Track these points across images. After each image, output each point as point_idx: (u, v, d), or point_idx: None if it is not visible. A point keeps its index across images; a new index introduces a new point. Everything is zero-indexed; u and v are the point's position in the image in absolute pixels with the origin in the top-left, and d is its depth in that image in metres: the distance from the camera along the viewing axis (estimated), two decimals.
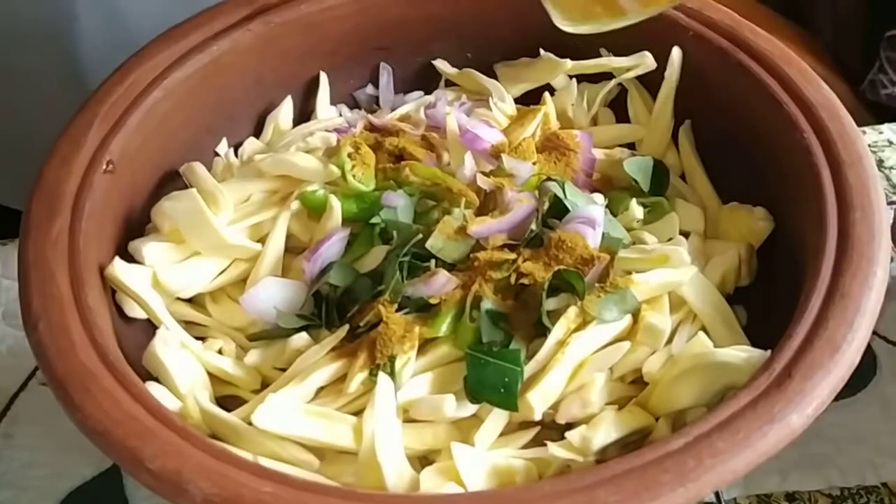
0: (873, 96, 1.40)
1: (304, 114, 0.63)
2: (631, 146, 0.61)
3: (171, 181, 0.58)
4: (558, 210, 0.54)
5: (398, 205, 0.54)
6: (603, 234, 0.53)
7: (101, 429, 0.44)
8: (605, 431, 0.48)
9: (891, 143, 0.71)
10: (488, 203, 0.55)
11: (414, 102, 0.63)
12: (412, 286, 0.51)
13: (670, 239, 0.55)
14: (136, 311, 0.53)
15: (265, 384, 0.52)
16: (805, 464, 0.57)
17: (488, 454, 0.48)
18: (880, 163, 0.70)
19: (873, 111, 1.37)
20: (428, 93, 0.64)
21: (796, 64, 0.56)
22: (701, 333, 0.51)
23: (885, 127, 0.72)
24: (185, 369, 0.51)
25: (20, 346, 0.54)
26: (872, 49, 1.39)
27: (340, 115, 0.63)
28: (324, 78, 0.63)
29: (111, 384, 0.45)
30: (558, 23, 0.50)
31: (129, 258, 0.54)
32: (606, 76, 0.62)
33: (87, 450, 0.45)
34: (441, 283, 0.51)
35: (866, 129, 0.71)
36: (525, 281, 0.51)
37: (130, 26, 0.64)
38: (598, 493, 0.41)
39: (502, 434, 0.49)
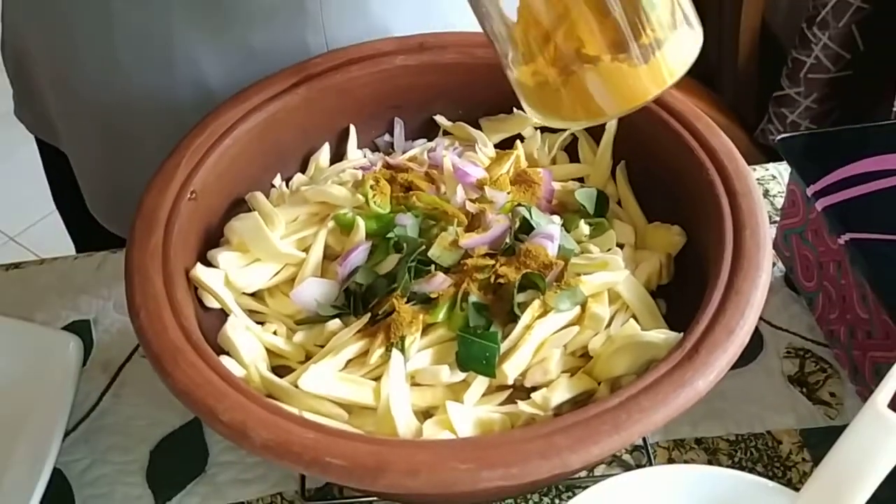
0: (764, 141, 1.40)
1: (338, 155, 0.63)
2: (581, 180, 0.61)
3: (239, 206, 0.58)
4: (526, 228, 0.54)
5: (407, 224, 0.54)
6: (559, 245, 0.53)
7: (186, 390, 0.44)
8: (561, 393, 0.48)
9: (774, 177, 0.71)
10: (474, 222, 0.55)
11: (420, 147, 0.63)
12: (418, 284, 0.51)
13: (609, 249, 0.55)
14: (212, 303, 0.53)
15: (308, 357, 0.52)
16: (709, 416, 0.57)
17: (474, 409, 0.48)
18: (766, 192, 0.70)
19: (764, 152, 1.37)
20: (430, 140, 0.63)
21: (704, 119, 0.56)
22: (632, 320, 0.51)
23: (771, 165, 0.72)
24: (249, 346, 0.51)
25: (126, 328, 0.55)
26: (763, 105, 1.39)
27: (365, 156, 0.63)
28: (353, 129, 0.63)
29: (193, 357, 0.45)
30: (539, 121, 0.45)
31: (208, 264, 0.54)
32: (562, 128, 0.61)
33: (175, 406, 0.45)
34: (439, 282, 0.51)
35: (756, 167, 0.71)
36: (501, 280, 0.51)
37: (211, 90, 0.64)
38: (554, 439, 0.42)
39: (484, 395, 0.49)
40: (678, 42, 0.41)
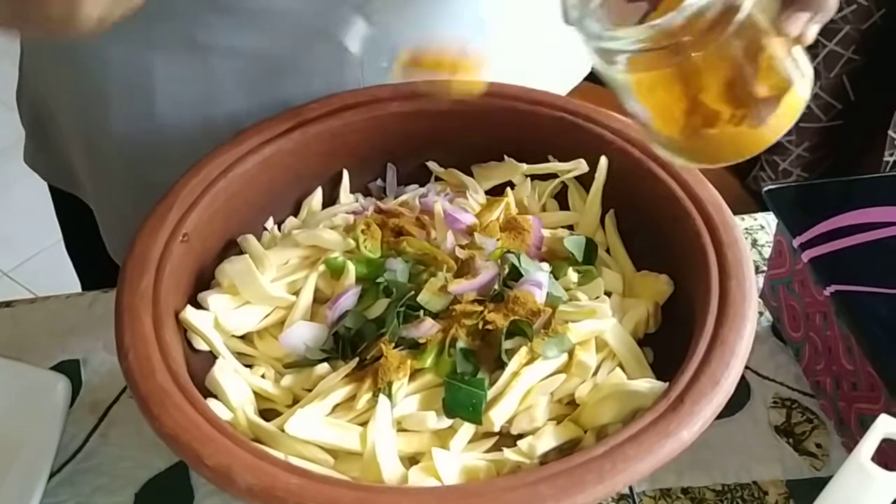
0: (756, 188, 1.41)
1: (330, 199, 0.64)
2: (570, 227, 0.61)
3: (231, 248, 0.58)
4: (515, 274, 0.54)
5: (397, 269, 0.55)
6: (548, 293, 0.53)
7: (172, 433, 0.44)
8: (547, 441, 0.48)
9: (762, 227, 0.72)
10: (464, 269, 0.55)
11: (411, 193, 0.63)
12: (406, 329, 0.51)
13: (597, 297, 0.56)
14: (201, 345, 0.53)
15: (296, 401, 0.52)
16: (696, 465, 0.57)
17: (460, 456, 0.48)
18: (754, 242, 0.71)
19: (756, 199, 1.38)
20: (422, 186, 0.64)
21: (692, 170, 0.57)
22: (618, 368, 0.51)
23: (759, 215, 0.73)
24: (237, 389, 0.51)
25: (115, 369, 0.54)
26: None
27: (357, 201, 0.63)
28: (345, 174, 0.64)
29: (180, 400, 0.45)
30: (679, 162, 0.50)
31: (198, 305, 0.54)
32: (552, 176, 0.62)
33: (162, 448, 0.45)
34: (427, 328, 0.51)
35: (745, 216, 0.72)
36: (489, 327, 0.51)
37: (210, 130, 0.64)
38: (539, 487, 0.42)
39: (470, 441, 0.49)
40: (792, 97, 0.44)
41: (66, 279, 0.90)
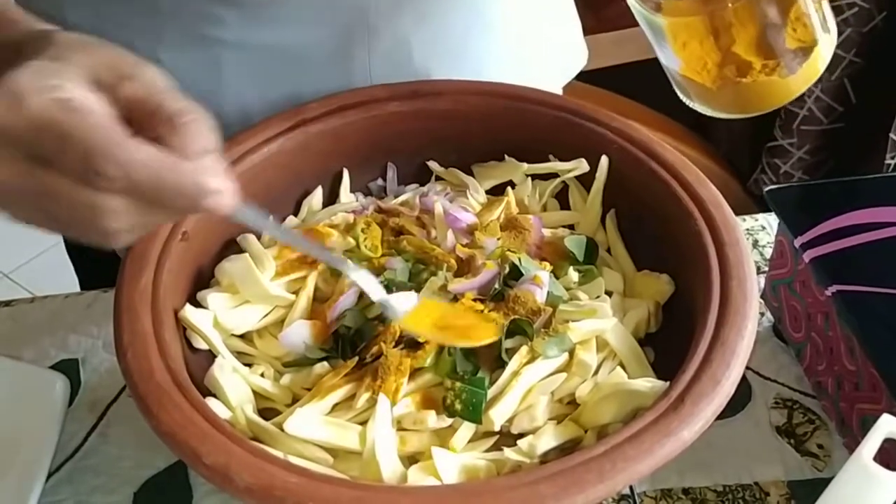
0: (757, 191, 1.41)
1: (331, 199, 0.63)
2: (571, 227, 0.61)
3: (230, 247, 0.58)
4: (516, 274, 0.54)
5: (397, 268, 0.55)
6: (548, 292, 0.53)
7: (170, 432, 0.44)
8: (547, 440, 0.48)
9: (764, 227, 0.72)
10: (464, 268, 0.55)
11: (412, 192, 0.63)
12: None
13: (598, 297, 0.55)
14: (201, 344, 0.53)
15: (295, 400, 0.52)
16: (697, 466, 0.56)
17: (460, 456, 0.48)
18: (756, 242, 0.71)
19: (757, 202, 1.38)
20: (422, 185, 0.64)
21: (692, 170, 0.57)
22: (619, 368, 0.51)
23: (761, 216, 0.73)
24: (236, 388, 0.51)
25: (115, 367, 0.54)
26: (757, 156, 1.40)
27: (357, 200, 0.63)
28: (346, 173, 0.63)
29: (179, 399, 0.45)
30: (708, 112, 0.50)
31: (198, 304, 0.54)
32: (553, 175, 0.62)
33: (161, 447, 0.44)
34: None
35: (746, 217, 0.72)
36: None
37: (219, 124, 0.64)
38: (539, 487, 0.42)
39: (470, 441, 0.49)
40: (819, 52, 0.46)
41: (66, 281, 0.90)
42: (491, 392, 0.49)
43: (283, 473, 0.42)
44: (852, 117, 1.31)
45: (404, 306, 0.50)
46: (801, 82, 0.47)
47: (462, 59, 0.68)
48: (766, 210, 0.73)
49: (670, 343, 0.53)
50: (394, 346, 0.51)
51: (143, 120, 0.40)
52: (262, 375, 0.53)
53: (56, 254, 0.89)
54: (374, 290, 0.50)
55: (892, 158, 1.29)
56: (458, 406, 0.48)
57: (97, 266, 0.79)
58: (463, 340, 0.49)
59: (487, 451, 0.49)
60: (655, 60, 0.49)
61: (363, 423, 0.48)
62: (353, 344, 0.52)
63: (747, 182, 1.42)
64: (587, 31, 0.80)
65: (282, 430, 0.48)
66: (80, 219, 0.39)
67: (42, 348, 0.64)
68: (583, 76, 0.81)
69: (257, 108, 0.62)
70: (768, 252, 0.69)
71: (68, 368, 0.62)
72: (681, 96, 0.50)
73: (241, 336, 0.55)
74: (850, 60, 1.26)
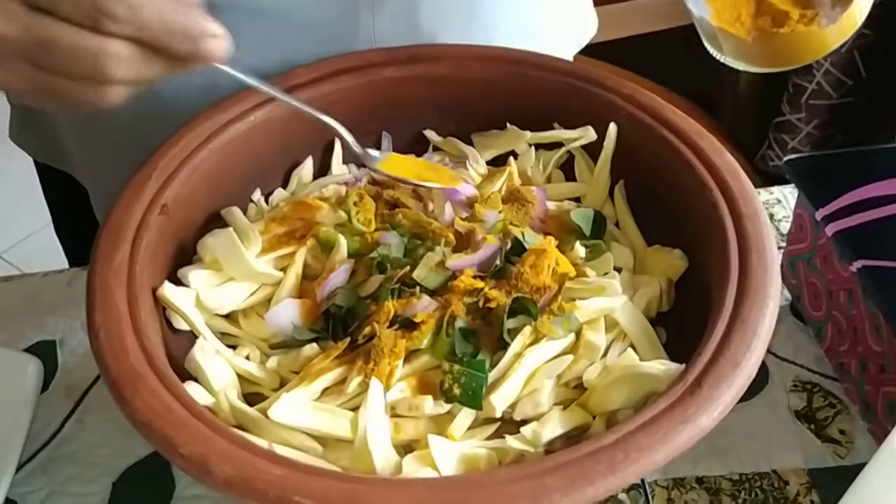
0: (763, 167, 1.38)
1: (322, 170, 0.60)
2: (577, 200, 0.58)
3: (214, 221, 0.55)
4: (518, 249, 0.51)
5: (392, 243, 0.52)
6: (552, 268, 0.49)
7: (145, 420, 0.41)
8: (552, 427, 0.45)
9: (779, 201, 0.68)
10: (463, 243, 0.52)
11: None
12: (401, 308, 0.48)
13: (606, 273, 0.52)
14: (181, 325, 0.50)
15: (283, 384, 0.49)
16: (711, 453, 0.53)
17: (458, 444, 0.44)
18: (771, 217, 0.67)
19: (764, 179, 1.35)
20: (419, 155, 0.60)
21: (707, 137, 0.53)
22: (629, 349, 0.48)
23: (775, 189, 0.70)
24: (219, 371, 0.48)
25: None
26: (763, 131, 1.38)
27: (350, 171, 0.60)
28: (338, 143, 0.60)
29: (155, 384, 0.42)
30: (739, 66, 0.49)
31: (178, 282, 0.51)
32: (558, 145, 0.59)
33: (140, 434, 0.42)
34: (424, 306, 0.48)
35: (761, 190, 0.69)
36: (490, 305, 0.48)
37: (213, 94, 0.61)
38: (545, 479, 0.38)
39: (470, 428, 0.46)
40: (858, 2, 0.45)
41: (59, 260, 0.88)
42: (492, 376, 0.46)
43: (266, 465, 0.39)
44: (862, 91, 1.29)
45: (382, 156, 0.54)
46: (839, 34, 0.45)
47: (471, 26, 0.65)
48: (776, 184, 0.70)
49: (684, 323, 0.50)
50: (388, 327, 0.47)
51: None
52: (247, 358, 0.50)
53: (49, 233, 0.88)
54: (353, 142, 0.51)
55: None
56: (456, 391, 0.45)
57: (86, 246, 0.76)
58: (440, 182, 0.54)
59: (488, 439, 0.46)
60: (658, 34, 0.47)
61: (355, 409, 0.45)
62: (344, 324, 0.49)
63: (753, 158, 1.40)
64: (595, 2, 0.78)
65: (267, 416, 0.44)
66: (79, 70, 0.38)
67: (18, 329, 0.61)
68: (586, 50, 0.79)
69: (253, 71, 0.59)
70: (785, 227, 0.66)
71: (45, 351, 0.59)
72: (711, 50, 0.48)
73: (225, 316, 0.52)
74: (860, 32, 1.22)
